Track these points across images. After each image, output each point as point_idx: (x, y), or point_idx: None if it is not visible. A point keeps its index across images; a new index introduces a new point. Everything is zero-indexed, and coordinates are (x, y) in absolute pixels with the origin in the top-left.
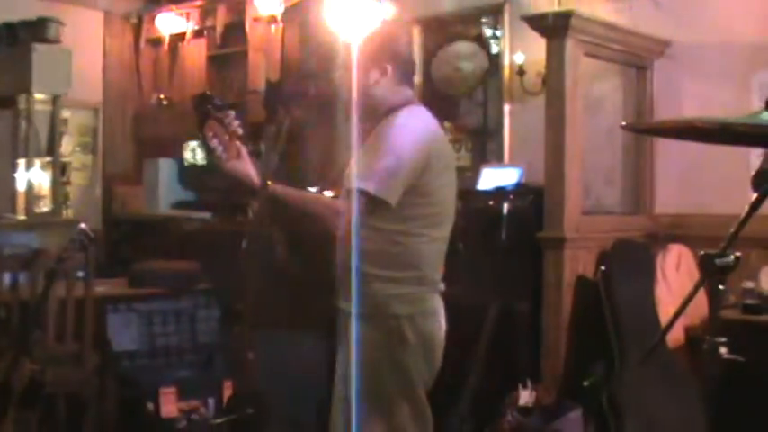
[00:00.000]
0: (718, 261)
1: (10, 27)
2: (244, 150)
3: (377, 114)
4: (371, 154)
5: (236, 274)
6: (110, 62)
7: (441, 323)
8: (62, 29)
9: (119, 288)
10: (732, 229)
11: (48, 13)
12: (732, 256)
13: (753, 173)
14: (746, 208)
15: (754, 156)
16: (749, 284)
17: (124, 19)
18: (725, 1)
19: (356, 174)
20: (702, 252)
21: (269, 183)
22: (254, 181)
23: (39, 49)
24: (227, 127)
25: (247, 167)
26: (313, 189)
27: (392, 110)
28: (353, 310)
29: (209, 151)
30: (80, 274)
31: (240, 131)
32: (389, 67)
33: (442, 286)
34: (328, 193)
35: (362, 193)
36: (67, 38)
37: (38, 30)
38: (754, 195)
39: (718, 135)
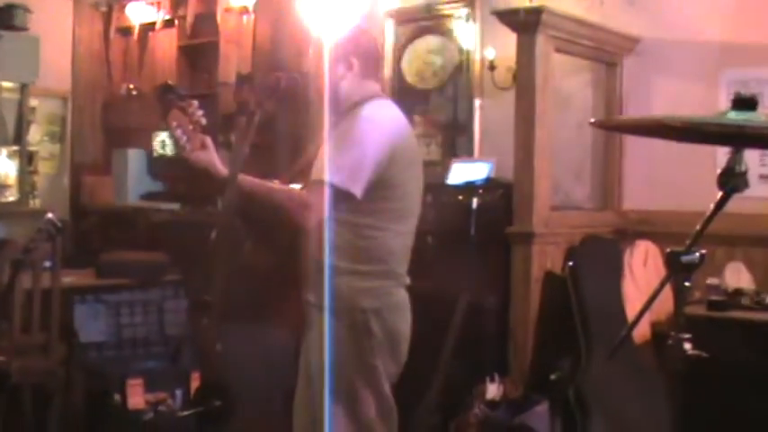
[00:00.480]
0: (683, 258)
1: None
2: (208, 140)
3: (343, 108)
4: (337, 147)
5: (205, 266)
6: (79, 51)
7: (407, 317)
8: (30, 16)
9: (86, 279)
10: (698, 227)
11: None
12: (698, 254)
13: (719, 171)
14: (712, 206)
15: (721, 153)
16: (714, 281)
17: (93, 7)
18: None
19: (322, 166)
20: (669, 249)
21: (237, 174)
22: (220, 171)
23: (6, 37)
24: (190, 116)
25: (212, 158)
26: (278, 181)
27: (358, 103)
28: (321, 302)
29: (175, 142)
30: (47, 264)
31: (203, 121)
32: (355, 62)
33: (407, 280)
34: (296, 186)
35: (328, 185)
36: (36, 26)
37: (5, 17)
38: (720, 194)
39: (685, 133)
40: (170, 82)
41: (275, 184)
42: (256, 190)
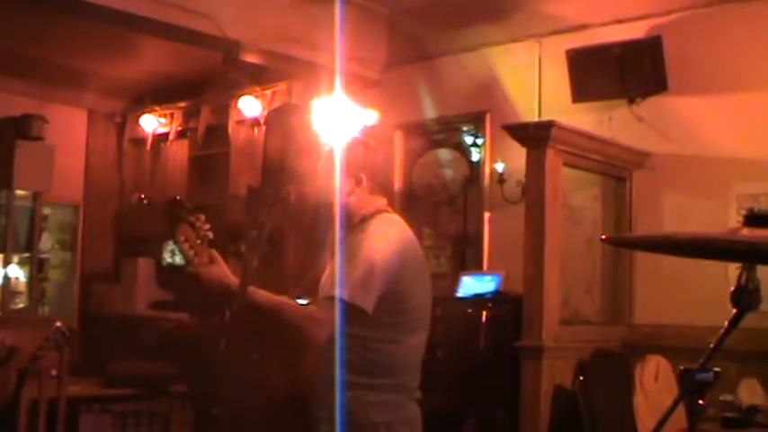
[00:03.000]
0: (698, 376)
1: None
2: (216, 254)
3: (351, 223)
4: (346, 262)
5: (213, 377)
6: (92, 160)
7: (418, 431)
8: (46, 126)
9: (93, 388)
10: (712, 345)
11: (33, 110)
12: (712, 372)
13: (731, 287)
14: (726, 323)
15: (733, 267)
16: (728, 398)
17: (107, 118)
18: (703, 116)
19: (332, 282)
20: (682, 367)
21: (248, 287)
22: (231, 282)
23: (22, 146)
24: (198, 231)
25: (220, 272)
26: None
27: (365, 218)
28: (331, 416)
29: (184, 257)
30: (54, 372)
31: (211, 235)
32: (364, 177)
33: (418, 394)
34: (303, 301)
35: (339, 300)
36: (51, 135)
37: (22, 127)
38: (734, 311)
39: (696, 249)
40: (178, 197)
41: (285, 299)
42: (265, 303)
